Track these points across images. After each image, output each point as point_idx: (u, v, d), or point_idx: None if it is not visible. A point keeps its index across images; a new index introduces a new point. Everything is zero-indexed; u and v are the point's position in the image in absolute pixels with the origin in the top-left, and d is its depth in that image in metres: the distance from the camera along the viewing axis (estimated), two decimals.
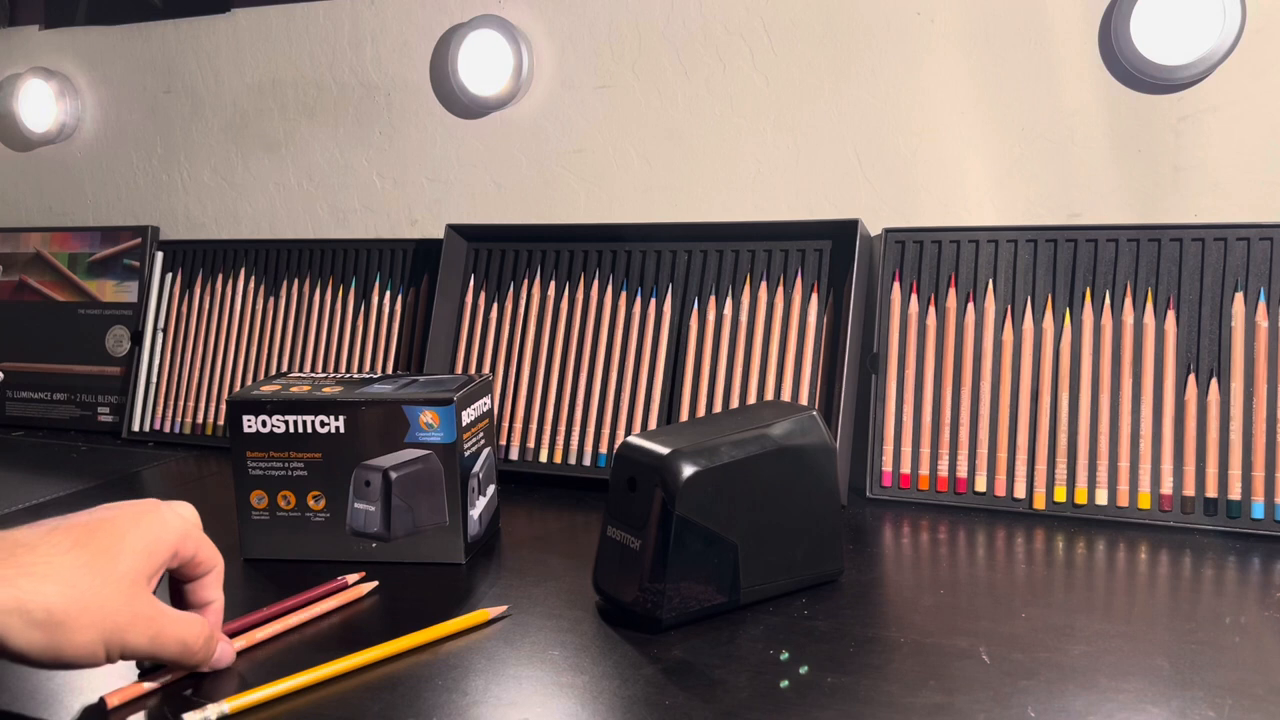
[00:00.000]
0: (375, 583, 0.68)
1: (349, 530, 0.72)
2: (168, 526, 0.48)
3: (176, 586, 0.52)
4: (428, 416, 0.70)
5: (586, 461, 0.95)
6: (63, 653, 0.42)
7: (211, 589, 0.52)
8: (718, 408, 0.92)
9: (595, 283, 1.00)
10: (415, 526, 0.71)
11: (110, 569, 0.44)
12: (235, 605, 0.64)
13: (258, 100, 1.21)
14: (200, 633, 0.49)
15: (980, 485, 0.85)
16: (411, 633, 0.58)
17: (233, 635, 0.58)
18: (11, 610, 0.40)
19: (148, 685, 0.51)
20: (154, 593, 0.49)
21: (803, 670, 0.54)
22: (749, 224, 0.96)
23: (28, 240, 1.29)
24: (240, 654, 0.57)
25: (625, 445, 0.63)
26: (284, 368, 1.11)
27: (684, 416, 0.93)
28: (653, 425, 0.94)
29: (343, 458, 0.71)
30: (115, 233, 1.24)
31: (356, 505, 0.71)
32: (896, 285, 0.91)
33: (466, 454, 0.72)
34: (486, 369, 1.01)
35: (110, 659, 0.45)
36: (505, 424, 0.99)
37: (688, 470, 0.59)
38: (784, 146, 0.99)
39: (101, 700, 0.50)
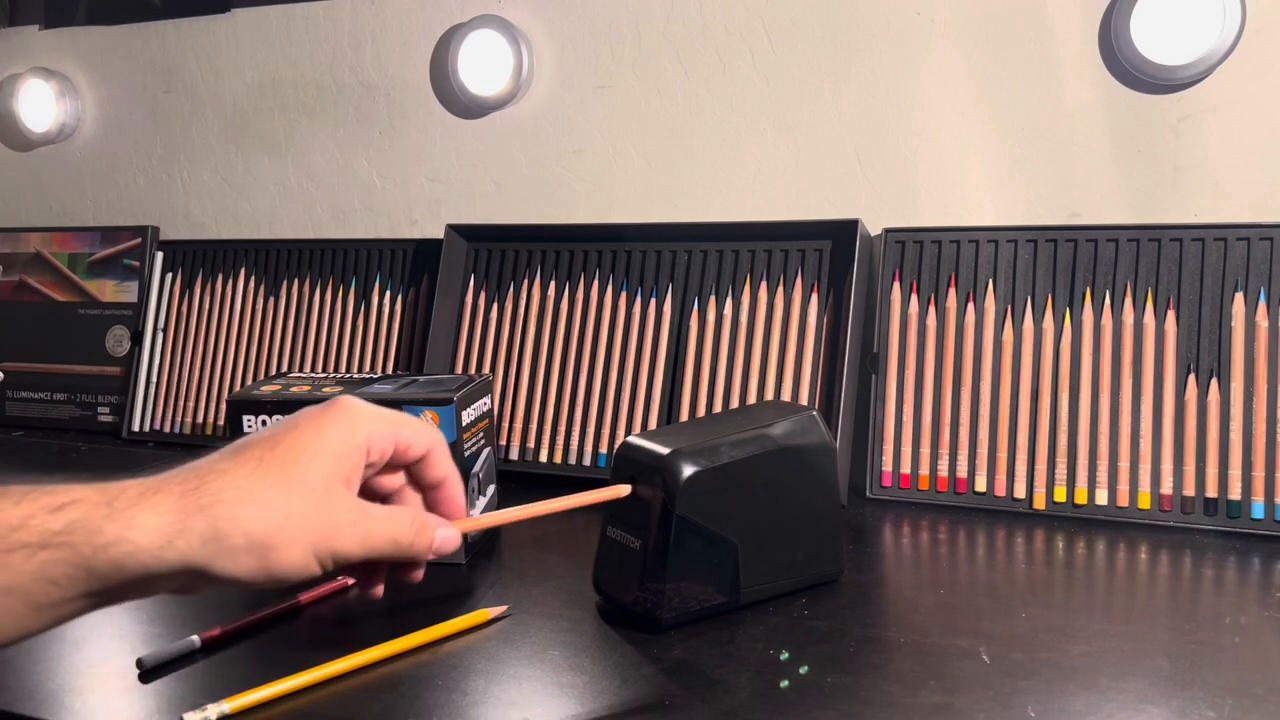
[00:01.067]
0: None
1: None
2: (355, 424, 0.45)
3: (409, 476, 0.50)
4: (428, 416, 0.70)
5: (586, 461, 0.95)
6: (276, 573, 0.41)
7: (435, 468, 0.49)
8: (718, 408, 0.92)
9: (595, 283, 1.00)
10: None
11: (300, 482, 0.42)
12: (235, 605, 0.64)
13: (258, 100, 1.21)
14: (409, 526, 0.46)
15: (980, 485, 0.85)
16: (411, 633, 0.58)
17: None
18: (210, 539, 0.40)
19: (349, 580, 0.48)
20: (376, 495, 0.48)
21: (803, 670, 0.54)
22: (749, 224, 0.96)
23: (28, 240, 1.29)
24: (239, 651, 0.57)
25: (625, 445, 0.63)
26: (284, 368, 1.11)
27: (684, 416, 0.93)
28: (653, 425, 0.94)
29: None
30: (115, 233, 1.24)
31: None
32: (896, 285, 0.91)
33: (466, 454, 0.72)
34: (486, 369, 1.01)
35: (325, 569, 0.43)
36: (505, 424, 0.99)
37: (688, 470, 0.59)
38: (784, 146, 0.99)
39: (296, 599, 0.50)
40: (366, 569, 0.48)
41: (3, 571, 0.37)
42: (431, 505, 0.49)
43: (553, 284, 1.01)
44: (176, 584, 0.41)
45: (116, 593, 0.40)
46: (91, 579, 0.38)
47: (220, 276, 1.17)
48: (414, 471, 0.49)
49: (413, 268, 1.09)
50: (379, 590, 0.48)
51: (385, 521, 0.45)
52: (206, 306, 1.16)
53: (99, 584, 0.39)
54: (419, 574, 0.48)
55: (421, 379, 0.76)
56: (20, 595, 0.38)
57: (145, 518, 0.39)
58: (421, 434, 0.48)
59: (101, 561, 0.38)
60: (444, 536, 0.47)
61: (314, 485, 0.42)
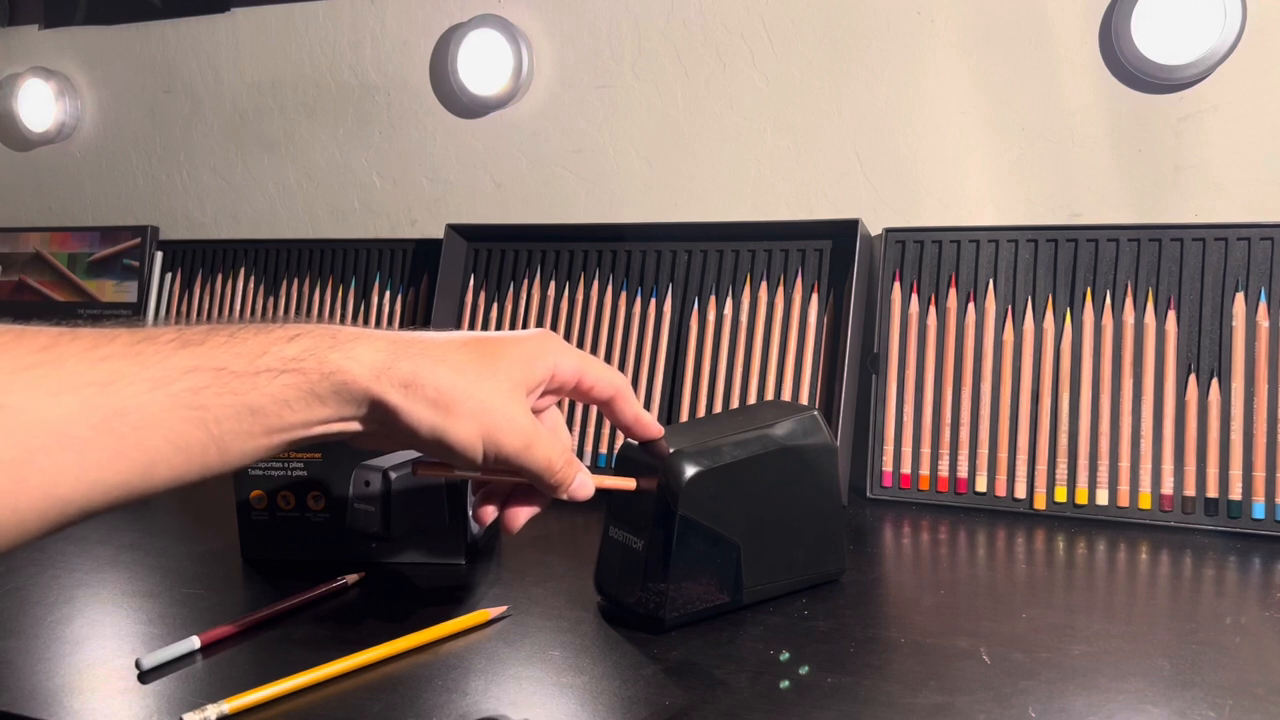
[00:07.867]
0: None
1: (349, 530, 0.72)
2: (548, 346, 0.51)
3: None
4: None
5: (587, 462, 0.95)
6: (446, 435, 0.45)
7: (621, 413, 0.55)
8: (718, 408, 0.92)
9: (595, 283, 1.00)
10: (415, 526, 0.71)
11: (493, 372, 0.47)
12: (235, 606, 0.64)
13: (257, 100, 1.21)
14: (561, 456, 0.50)
15: (980, 485, 0.85)
16: (411, 633, 0.58)
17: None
18: (409, 384, 0.44)
19: (462, 473, 0.52)
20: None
21: (803, 670, 0.54)
22: (749, 224, 0.96)
23: (27, 240, 1.28)
24: (239, 651, 0.57)
25: (627, 446, 0.62)
26: None
27: (684, 416, 0.93)
28: None
29: (342, 458, 0.71)
30: (115, 233, 1.24)
31: (356, 505, 0.71)
32: (896, 285, 0.91)
33: None
34: None
35: (486, 458, 0.47)
36: None
37: (690, 470, 0.58)
38: (784, 146, 0.99)
39: (414, 464, 0.53)
40: (507, 492, 0.53)
41: (251, 392, 0.41)
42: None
43: (553, 284, 1.01)
44: (371, 426, 0.45)
45: (331, 425, 0.44)
46: (313, 405, 0.43)
47: (220, 276, 1.17)
48: (604, 410, 0.55)
49: (412, 268, 1.09)
50: (518, 523, 0.53)
51: (549, 442, 0.49)
52: (206, 306, 1.16)
53: (318, 411, 0.43)
54: (540, 507, 0.54)
55: None
56: (260, 416, 0.41)
57: (363, 352, 0.44)
58: (605, 378, 0.53)
59: (324, 389, 0.43)
60: (581, 481, 0.52)
61: (502, 379, 0.47)
